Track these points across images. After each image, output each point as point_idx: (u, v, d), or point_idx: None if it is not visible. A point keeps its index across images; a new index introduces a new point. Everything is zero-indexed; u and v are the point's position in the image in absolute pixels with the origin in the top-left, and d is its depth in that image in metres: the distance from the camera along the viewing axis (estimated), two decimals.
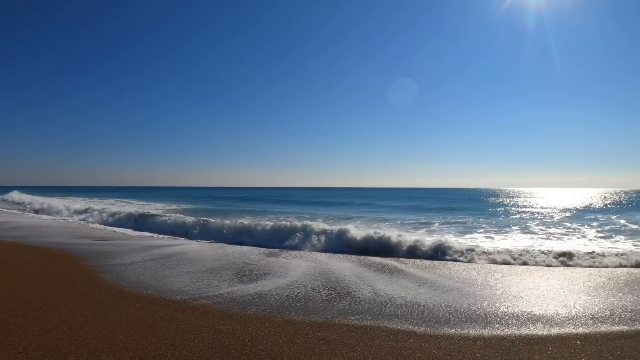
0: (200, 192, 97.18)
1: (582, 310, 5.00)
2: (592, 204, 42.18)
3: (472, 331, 4.23)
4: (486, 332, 4.21)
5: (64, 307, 4.81)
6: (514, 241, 12.65)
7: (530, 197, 73.69)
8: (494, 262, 8.49)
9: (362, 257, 9.08)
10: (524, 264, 8.31)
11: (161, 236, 13.34)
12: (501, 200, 54.89)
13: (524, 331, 4.24)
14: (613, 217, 23.31)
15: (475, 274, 7.28)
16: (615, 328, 4.36)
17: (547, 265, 8.12)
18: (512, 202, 47.06)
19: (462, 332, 4.22)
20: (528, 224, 18.79)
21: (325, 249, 10.24)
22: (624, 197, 63.77)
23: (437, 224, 18.42)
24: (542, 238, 13.47)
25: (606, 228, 17.10)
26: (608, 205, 38.26)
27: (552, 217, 23.96)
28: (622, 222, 19.83)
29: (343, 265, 8.00)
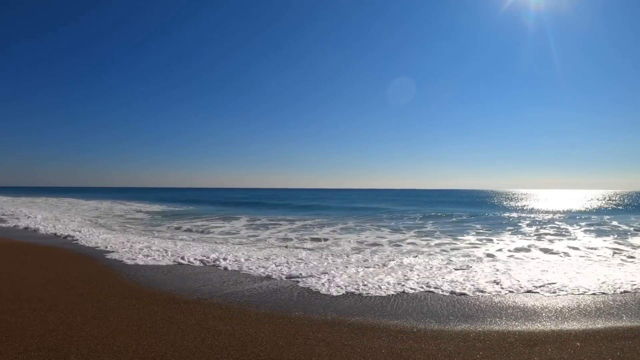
0: (201, 193, 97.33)
1: (582, 311, 5.02)
2: (589, 205, 42.23)
3: (472, 332, 4.24)
4: (486, 333, 4.22)
5: (64, 308, 4.82)
6: (504, 244, 12.66)
7: (529, 198, 73.77)
8: None
9: None
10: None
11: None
12: (500, 201, 54.96)
13: (523, 332, 4.24)
14: (607, 218, 23.38)
15: None
16: (615, 329, 4.36)
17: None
18: (510, 204, 47.12)
19: (462, 333, 4.23)
20: (520, 225, 18.95)
21: None
22: (623, 199, 63.78)
23: (430, 225, 18.53)
24: (533, 239, 13.53)
25: (592, 228, 17.29)
26: (605, 207, 38.32)
27: (545, 218, 24.05)
28: (614, 223, 19.89)
29: None
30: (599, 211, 31.74)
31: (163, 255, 8.81)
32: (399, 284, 6.38)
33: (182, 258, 8.50)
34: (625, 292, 6.04)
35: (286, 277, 6.81)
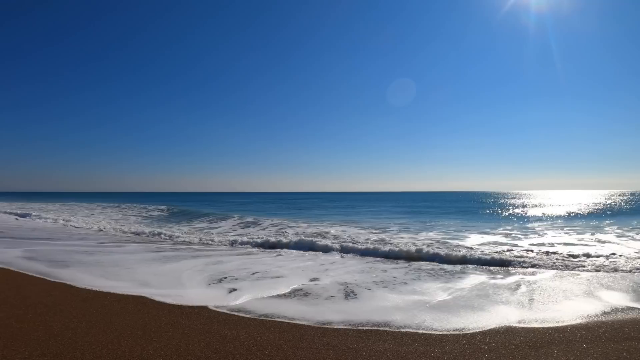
0: (193, 197, 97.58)
1: (587, 313, 4.99)
2: (588, 205, 42.03)
3: (478, 335, 4.22)
4: (492, 335, 4.20)
5: (69, 313, 4.82)
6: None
7: (529, 199, 73.63)
8: None
9: None
10: None
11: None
12: (499, 202, 54.97)
13: (529, 334, 4.22)
14: (608, 222, 23.24)
15: None
16: (621, 330, 4.34)
17: None
18: (508, 204, 47.19)
19: (467, 335, 4.21)
20: (502, 225, 19.09)
21: None
22: (627, 199, 63.51)
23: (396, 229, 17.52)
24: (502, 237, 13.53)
25: (567, 228, 17.30)
26: (603, 207, 38.12)
27: (531, 218, 24.10)
28: (596, 220, 19.75)
29: None
30: (596, 212, 31.42)
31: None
32: None
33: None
34: None
35: None
